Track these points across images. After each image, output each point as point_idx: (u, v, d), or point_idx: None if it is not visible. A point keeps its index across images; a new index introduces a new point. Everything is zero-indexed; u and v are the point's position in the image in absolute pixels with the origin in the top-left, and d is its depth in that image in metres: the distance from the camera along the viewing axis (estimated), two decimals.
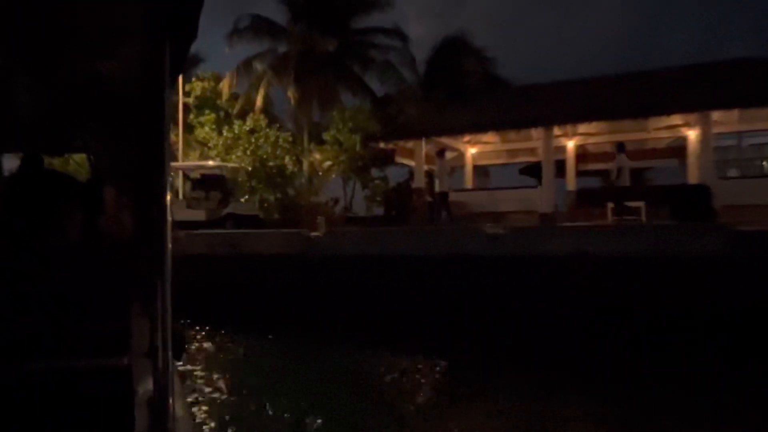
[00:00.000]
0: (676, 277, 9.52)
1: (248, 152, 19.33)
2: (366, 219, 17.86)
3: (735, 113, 16.08)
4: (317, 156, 19.34)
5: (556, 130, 17.59)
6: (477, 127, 16.28)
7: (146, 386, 1.65)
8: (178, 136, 23.11)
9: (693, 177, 17.99)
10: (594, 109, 15.69)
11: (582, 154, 19.99)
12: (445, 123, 16.92)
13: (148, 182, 1.63)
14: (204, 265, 13.34)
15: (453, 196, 17.17)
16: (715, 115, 15.96)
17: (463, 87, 21.13)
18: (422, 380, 8.82)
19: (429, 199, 17.31)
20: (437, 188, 14.87)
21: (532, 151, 20.89)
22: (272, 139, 19.80)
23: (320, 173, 19.96)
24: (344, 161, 17.93)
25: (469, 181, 20.89)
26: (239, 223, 17.46)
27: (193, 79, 24.12)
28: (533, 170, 28.93)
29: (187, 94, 24.36)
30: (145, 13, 1.65)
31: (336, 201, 21.89)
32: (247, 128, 20.23)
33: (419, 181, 17.43)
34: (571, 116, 15.55)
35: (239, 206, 17.91)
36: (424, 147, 17.11)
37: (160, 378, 1.53)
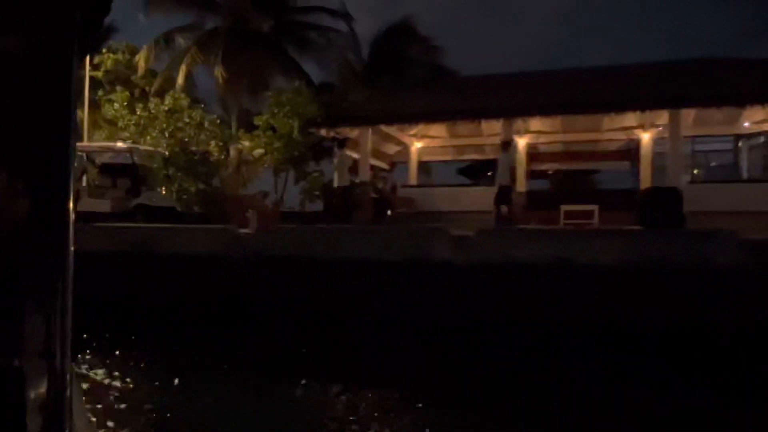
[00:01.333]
0: (686, 290, 8.09)
1: (166, 134, 16.56)
2: (303, 215, 15.67)
3: (690, 116, 15.28)
4: (246, 143, 16.88)
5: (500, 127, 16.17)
6: (429, 115, 14.54)
7: (40, 389, 1.41)
8: (83, 114, 19.98)
9: (646, 181, 17.15)
10: (557, 103, 14.30)
11: (532, 154, 18.74)
12: (394, 110, 15.03)
13: (48, 167, 1.32)
14: (103, 266, 10.76)
15: (401, 193, 15.41)
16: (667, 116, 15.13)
17: (409, 75, 19.38)
18: (372, 415, 6.79)
19: (374, 195, 15.41)
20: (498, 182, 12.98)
21: (480, 148, 19.50)
22: (196, 120, 17.12)
23: (249, 163, 17.43)
24: (278, 149, 15.58)
25: (413, 178, 19.18)
26: (152, 216, 14.84)
27: (104, 50, 20.83)
28: (471, 171, 27.81)
29: (96, 67, 21.12)
30: None
31: (265, 194, 19.49)
32: (166, 108, 17.40)
33: (363, 175, 15.44)
34: (535, 108, 14.05)
35: (153, 196, 15.25)
36: (370, 136, 15.14)
37: (56, 381, 1.37)
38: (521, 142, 17.64)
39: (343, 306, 9.93)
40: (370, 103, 15.72)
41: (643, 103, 13.60)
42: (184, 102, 17.55)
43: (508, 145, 13.54)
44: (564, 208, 15.96)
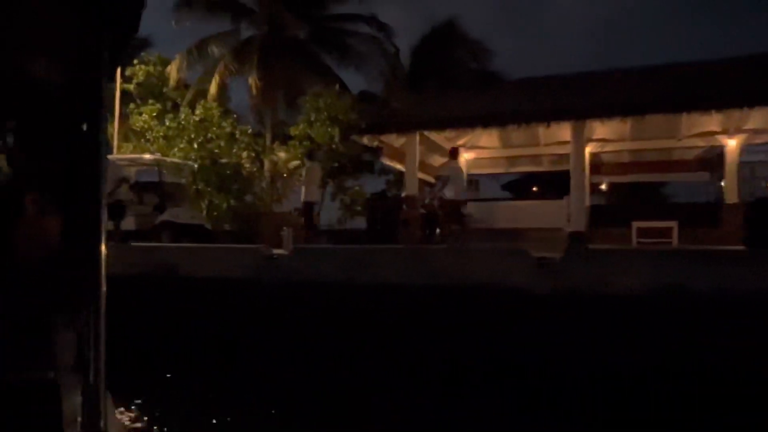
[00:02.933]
0: None
1: (195, 145, 15.07)
2: (342, 233, 13.88)
3: None
4: (282, 155, 15.27)
5: (569, 135, 14.10)
6: (489, 118, 12.61)
7: (74, 402, 1.49)
8: (113, 128, 18.76)
9: (731, 193, 14.82)
10: (636, 103, 12.21)
11: (595, 165, 16.56)
12: (445, 115, 13.17)
13: (79, 185, 1.48)
14: (118, 290, 9.05)
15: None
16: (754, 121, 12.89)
17: (455, 80, 17.53)
18: None
19: (422, 211, 13.47)
20: (447, 196, 10.93)
21: (536, 159, 17.44)
22: (227, 130, 15.61)
23: (284, 176, 15.78)
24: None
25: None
26: (179, 235, 13.28)
27: (136, 62, 19.65)
28: (518, 186, 25.65)
29: (128, 79, 19.91)
30: (82, 2, 1.49)
31: (300, 211, 17.79)
32: (197, 118, 15.96)
33: (411, 188, 13.57)
34: (611, 109, 11.99)
35: (179, 213, 13.69)
36: (418, 144, 13.29)
37: (90, 394, 1.40)
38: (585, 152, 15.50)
39: (394, 341, 8.02)
40: (416, 109, 13.92)
41: (740, 99, 11.41)
42: (216, 111, 16.04)
43: (455, 153, 11.76)
44: (637, 224, 13.80)
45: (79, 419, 1.48)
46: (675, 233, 13.70)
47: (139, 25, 1.55)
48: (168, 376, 8.18)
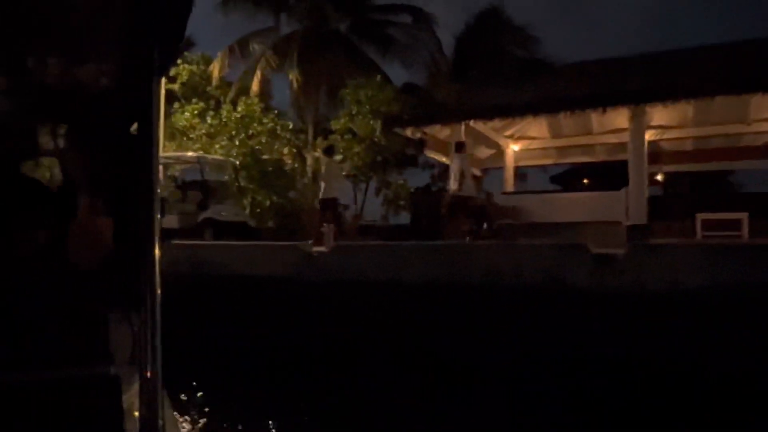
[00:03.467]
0: None
1: (236, 141, 14.90)
2: (385, 229, 13.39)
3: None
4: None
5: (626, 122, 13.12)
6: (541, 105, 11.81)
7: (132, 396, 1.58)
8: (159, 126, 18.89)
9: None
10: (696, 86, 11.19)
11: (654, 154, 15.45)
12: (493, 104, 12.47)
13: (133, 186, 1.54)
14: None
15: (501, 201, 12.80)
16: None
17: (502, 69, 16.73)
18: None
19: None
20: (451, 189, 10.80)
21: (588, 149, 16.47)
22: (268, 126, 15.37)
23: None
24: (358, 154, 13.48)
25: (509, 185, 16.44)
26: (221, 232, 13.12)
27: (179, 62, 19.69)
28: (567, 178, 24.52)
29: (172, 80, 19.99)
30: (130, 10, 1.53)
31: (345, 207, 17.41)
32: (238, 115, 15.80)
33: (457, 184, 12.92)
34: (674, 91, 11.02)
35: (222, 210, 13.53)
36: (463, 135, 12.64)
37: (148, 388, 1.44)
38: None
39: (441, 346, 7.48)
40: (462, 99, 13.26)
41: None
42: (257, 108, 15.84)
43: (461, 146, 11.21)
44: (702, 216, 12.72)
45: (137, 413, 1.52)
46: (745, 225, 12.58)
47: (184, 32, 1.61)
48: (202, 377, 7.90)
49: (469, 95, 13.39)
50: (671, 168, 16.22)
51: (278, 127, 15.70)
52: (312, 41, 18.69)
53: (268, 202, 15.63)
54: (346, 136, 14.05)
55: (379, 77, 15.10)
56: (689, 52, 14.50)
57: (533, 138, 16.27)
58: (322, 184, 11.30)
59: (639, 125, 12.06)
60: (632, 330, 6.66)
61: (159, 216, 1.56)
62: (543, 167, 20.85)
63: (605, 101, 11.40)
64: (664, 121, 14.26)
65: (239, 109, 16.15)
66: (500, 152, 16.59)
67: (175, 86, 20.11)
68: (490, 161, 17.54)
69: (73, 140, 2.95)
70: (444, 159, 14.13)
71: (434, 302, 7.94)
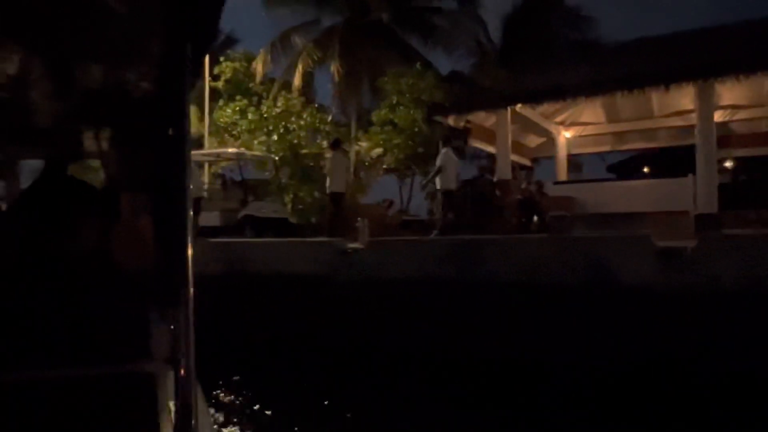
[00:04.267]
0: None
1: (275, 136, 14.60)
2: (429, 223, 12.72)
3: None
4: (364, 144, 14.39)
5: (691, 102, 11.92)
6: (595, 86, 10.85)
7: (168, 394, 1.62)
8: (203, 127, 18.93)
9: None
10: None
11: (722, 137, 14.11)
12: (540, 87, 11.58)
13: (167, 187, 1.59)
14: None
15: (553, 191, 11.93)
16: None
17: (552, 54, 15.70)
18: None
19: (518, 196, 12.08)
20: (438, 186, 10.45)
21: (648, 133, 15.25)
22: (308, 121, 14.99)
23: (368, 166, 14.90)
24: (399, 146, 12.88)
25: (562, 174, 15.45)
26: (261, 229, 12.84)
27: (222, 59, 19.62)
28: (626, 166, 22.98)
29: (216, 78, 19.96)
30: (165, 14, 1.59)
31: (391, 202, 16.85)
32: (278, 110, 15.49)
33: (504, 172, 12.15)
34: (746, 65, 9.83)
35: (262, 207, 13.30)
36: (509, 123, 11.83)
37: (183, 386, 1.47)
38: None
39: (483, 347, 6.81)
40: (507, 83, 12.41)
41: None
42: (296, 102, 15.49)
43: (448, 140, 10.91)
44: None
45: (173, 409, 1.52)
46: None
47: (216, 35, 1.85)
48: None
49: (515, 80, 12.53)
50: (743, 152, 14.78)
51: (317, 121, 15.21)
52: (353, 32, 18.19)
53: (309, 198, 15.24)
54: (386, 128, 13.44)
55: (417, 64, 14.38)
56: (762, 24, 13.10)
57: (587, 124, 15.22)
58: (328, 178, 11.09)
59: (707, 105, 10.89)
60: (704, 332, 5.79)
61: (191, 214, 1.57)
62: (600, 155, 19.60)
63: (668, 78, 10.32)
64: (735, 100, 12.95)
65: (279, 104, 15.80)
66: (551, 140, 15.63)
67: (219, 84, 20.10)
68: (540, 150, 16.59)
69: (116, 143, 3.18)
70: (490, 148, 13.32)
71: (473, 301, 7.27)
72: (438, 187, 10.61)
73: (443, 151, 10.49)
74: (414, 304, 7.61)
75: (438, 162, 10.51)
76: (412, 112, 12.89)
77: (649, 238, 6.19)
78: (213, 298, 8.82)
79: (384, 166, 14.38)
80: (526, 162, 16.19)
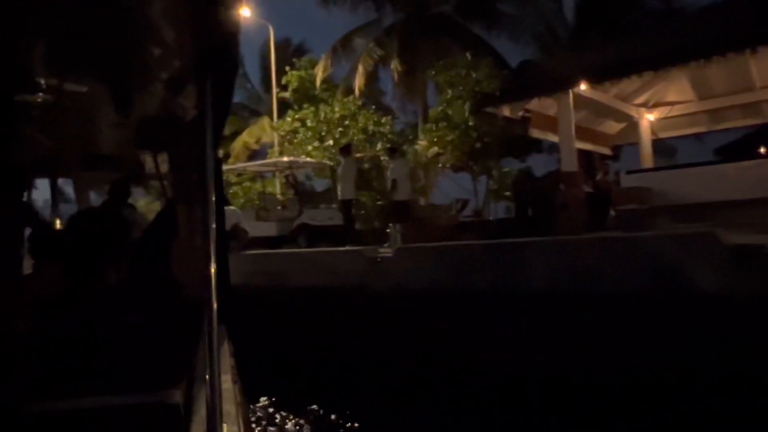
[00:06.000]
0: None
1: (329, 141, 14.33)
2: (487, 225, 11.74)
3: None
4: (423, 143, 13.68)
5: None
6: (676, 54, 9.24)
7: (198, 420, 1.60)
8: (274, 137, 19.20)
9: None
10: None
11: None
12: (605, 63, 10.18)
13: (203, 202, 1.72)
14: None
15: (626, 181, 10.51)
16: None
17: (633, 29, 14.03)
18: None
19: (588, 190, 10.74)
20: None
21: (751, 108, 13.07)
22: (364, 123, 14.54)
23: (426, 165, 14.12)
24: (453, 142, 12.03)
25: (647, 162, 13.68)
26: (316, 238, 12.54)
27: (287, 68, 19.73)
28: (738, 147, 20.15)
29: (284, 88, 20.13)
30: (187, 47, 1.88)
31: (464, 203, 15.91)
32: (336, 115, 15.17)
33: (568, 163, 10.84)
34: None
35: (316, 215, 12.98)
36: (572, 107, 10.53)
37: (211, 412, 1.48)
38: None
39: (525, 364, 5.84)
40: (569, 63, 11.08)
41: None
42: (352, 105, 15.09)
43: (348, 150, 11.25)
44: None
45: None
46: None
47: (237, 68, 1.98)
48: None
49: (577, 58, 11.17)
50: None
51: (371, 124, 14.66)
52: (414, 28, 17.54)
53: (371, 204, 14.77)
54: (441, 125, 12.61)
55: (468, 54, 13.38)
56: None
57: (674, 103, 13.33)
58: (339, 186, 10.96)
59: None
60: None
61: (223, 229, 1.99)
62: (697, 137, 17.34)
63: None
64: None
65: (336, 109, 15.47)
66: (632, 125, 13.87)
67: (287, 94, 20.24)
68: (622, 137, 14.83)
69: (170, 165, 3.53)
70: (556, 138, 12.01)
71: (511, 313, 6.29)
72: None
73: (393, 165, 10.57)
74: (443, 317, 6.76)
75: (389, 175, 10.54)
76: (466, 106, 11.96)
77: (714, 235, 4.90)
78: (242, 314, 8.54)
79: (439, 165, 13.50)
80: (607, 151, 14.54)
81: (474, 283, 6.90)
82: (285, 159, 14.09)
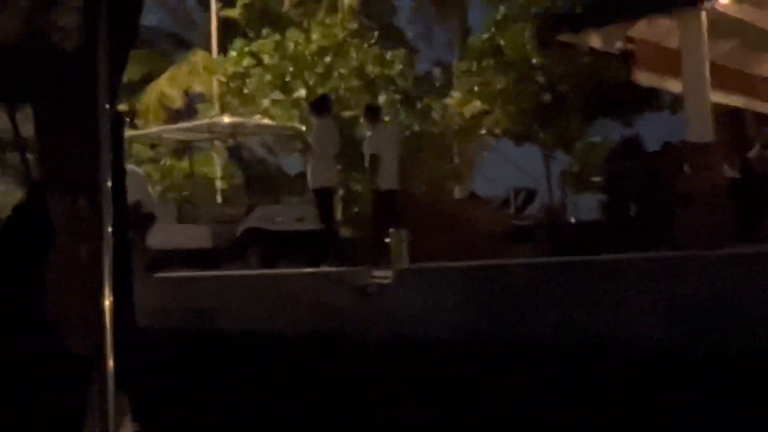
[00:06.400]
0: None
1: (302, 91, 14.56)
2: (563, 230, 11.90)
3: None
4: (456, 94, 13.87)
5: None
6: None
7: None
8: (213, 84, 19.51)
9: None
10: None
11: None
12: None
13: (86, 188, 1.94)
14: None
15: None
16: None
17: None
18: None
19: (733, 173, 11.25)
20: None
21: None
22: (360, 60, 14.77)
23: (462, 131, 14.33)
24: (505, 92, 12.20)
25: None
26: (275, 251, 12.88)
27: None
28: None
29: (229, 0, 20.38)
30: None
31: (528, 195, 16.07)
32: (313, 46, 15.44)
33: (699, 127, 10.90)
34: None
35: (276, 213, 13.32)
36: (704, 29, 10.57)
37: None
38: None
39: None
40: None
41: None
42: (339, 30, 15.30)
43: (324, 104, 11.69)
44: None
45: None
46: None
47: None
48: None
49: None
50: None
51: (369, 62, 14.85)
52: None
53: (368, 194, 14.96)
54: (485, 62, 12.72)
55: None
56: None
57: None
58: (309, 166, 11.41)
59: None
60: None
61: (125, 234, 2.16)
62: None
63: None
64: None
65: (315, 36, 15.68)
66: None
67: (235, 12, 20.43)
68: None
69: (36, 129, 3.47)
70: (678, 87, 12.08)
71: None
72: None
73: (372, 132, 11.18)
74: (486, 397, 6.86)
75: (366, 149, 11.06)
76: (527, 32, 12.09)
77: None
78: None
79: (483, 131, 13.64)
80: (766, 109, 14.58)
81: (536, 329, 7.01)
82: (226, 120, 14.25)
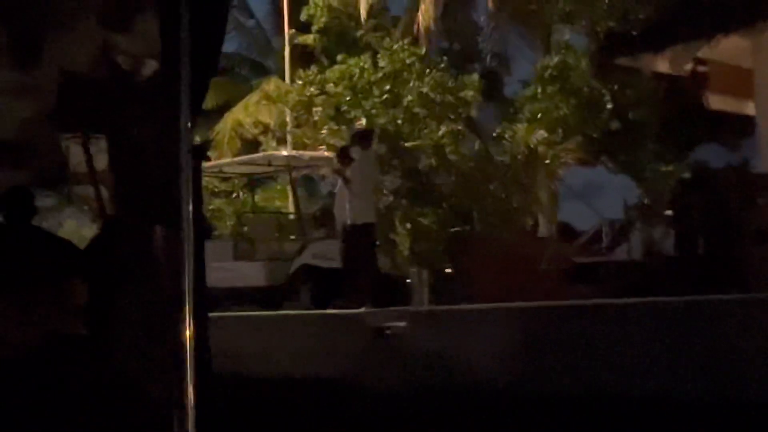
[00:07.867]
0: None
1: (363, 120, 14.78)
2: (632, 268, 11.64)
3: None
4: (520, 127, 13.93)
5: None
6: None
7: None
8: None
9: None
10: None
11: None
12: None
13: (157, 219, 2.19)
14: None
15: None
16: None
17: None
18: None
19: None
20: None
21: None
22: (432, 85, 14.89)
23: (532, 163, 14.23)
24: (564, 120, 12.15)
25: None
26: (329, 291, 12.83)
27: None
28: None
29: (304, 26, 20.71)
30: None
31: (613, 231, 15.72)
32: (378, 74, 15.62)
33: None
34: None
35: (328, 249, 13.24)
36: None
37: None
38: None
39: None
40: None
41: None
42: (406, 54, 15.41)
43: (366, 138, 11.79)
44: None
45: None
46: None
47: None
48: None
49: None
50: None
51: (427, 87, 14.91)
52: None
53: (437, 227, 15.01)
54: (549, 88, 12.67)
55: None
56: None
57: None
58: (347, 203, 11.29)
59: None
60: None
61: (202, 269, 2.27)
62: None
63: None
64: None
65: (381, 62, 15.86)
66: None
67: (309, 39, 20.74)
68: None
69: (111, 159, 4.21)
70: (748, 107, 11.70)
71: None
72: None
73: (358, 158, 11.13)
74: None
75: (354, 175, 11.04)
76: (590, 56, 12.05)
77: None
78: None
79: (547, 161, 13.51)
80: None
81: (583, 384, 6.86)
82: (283, 153, 14.54)
